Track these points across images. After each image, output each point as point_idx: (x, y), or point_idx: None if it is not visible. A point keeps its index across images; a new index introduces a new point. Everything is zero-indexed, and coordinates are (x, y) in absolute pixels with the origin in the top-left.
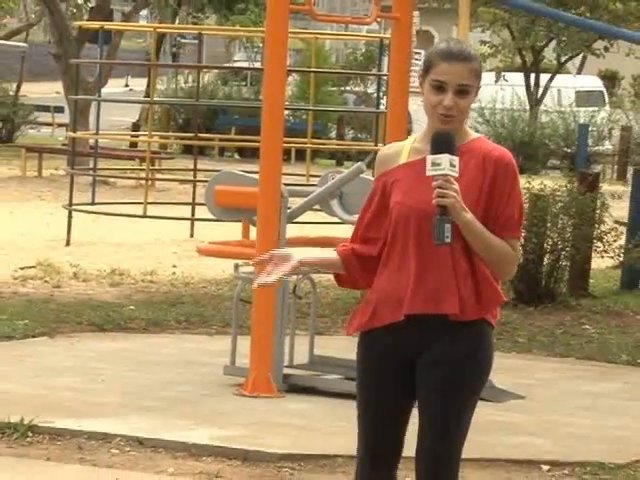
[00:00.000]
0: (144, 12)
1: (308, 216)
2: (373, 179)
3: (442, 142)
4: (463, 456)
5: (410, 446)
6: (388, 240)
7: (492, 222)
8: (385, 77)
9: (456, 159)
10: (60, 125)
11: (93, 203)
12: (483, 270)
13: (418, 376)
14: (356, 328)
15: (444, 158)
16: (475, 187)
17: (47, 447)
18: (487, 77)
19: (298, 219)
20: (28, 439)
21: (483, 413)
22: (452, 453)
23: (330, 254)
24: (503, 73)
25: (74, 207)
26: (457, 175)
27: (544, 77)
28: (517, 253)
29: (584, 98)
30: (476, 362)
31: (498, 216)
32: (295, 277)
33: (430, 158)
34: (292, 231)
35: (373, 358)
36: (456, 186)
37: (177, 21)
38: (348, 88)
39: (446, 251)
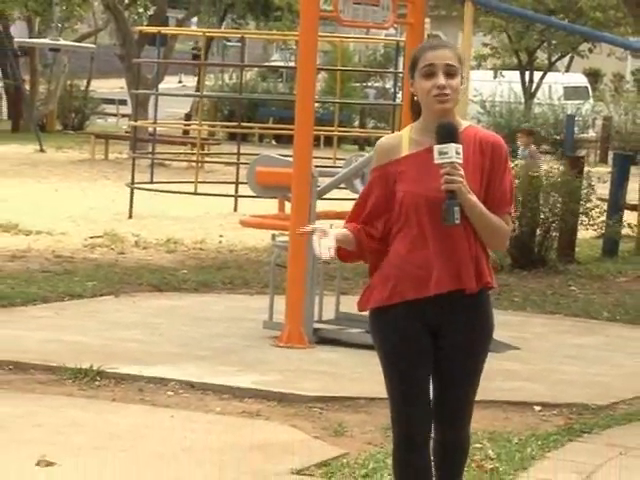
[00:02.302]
0: (195, 19)
1: (335, 193)
2: (372, 169)
3: (447, 132)
4: None
5: None
6: (400, 224)
7: (489, 201)
8: (401, 74)
9: (460, 147)
10: (124, 115)
11: (151, 182)
12: (481, 248)
13: (440, 346)
14: (375, 303)
15: (451, 147)
16: (478, 171)
17: (113, 390)
18: (487, 74)
19: (326, 195)
20: (97, 383)
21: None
22: (470, 401)
23: (347, 232)
24: (500, 71)
25: (135, 185)
26: (462, 162)
27: (537, 74)
28: (510, 227)
29: (571, 92)
30: (487, 326)
31: (494, 195)
32: None
33: (437, 148)
34: (321, 206)
35: (397, 331)
36: (462, 172)
37: (223, 26)
38: (369, 84)
39: (460, 233)
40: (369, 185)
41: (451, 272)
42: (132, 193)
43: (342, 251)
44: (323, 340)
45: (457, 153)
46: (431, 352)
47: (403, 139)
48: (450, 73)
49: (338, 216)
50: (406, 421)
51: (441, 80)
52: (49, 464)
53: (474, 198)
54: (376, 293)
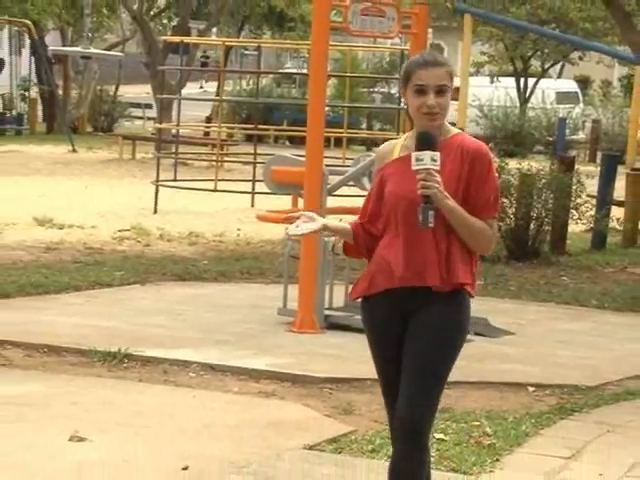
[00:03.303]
0: (215, 29)
1: (344, 190)
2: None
3: (424, 141)
4: (466, 379)
5: None
6: (386, 223)
7: (472, 205)
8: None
9: (437, 154)
10: (149, 118)
11: (175, 180)
12: (457, 251)
13: (407, 336)
14: (358, 294)
15: (426, 154)
16: (454, 177)
17: (139, 371)
18: (485, 80)
19: (336, 192)
20: (124, 365)
21: (481, 346)
22: (428, 393)
23: (345, 225)
24: (497, 77)
25: (160, 183)
26: (438, 168)
27: (531, 81)
28: (494, 230)
29: (563, 97)
30: (453, 324)
31: (477, 200)
32: (334, 238)
33: (414, 155)
34: (331, 202)
35: (375, 319)
36: (438, 177)
37: (241, 36)
38: (375, 89)
39: (430, 234)
40: (372, 186)
41: (416, 269)
42: (157, 190)
43: (346, 245)
44: (333, 326)
45: (433, 160)
46: (402, 338)
47: (396, 145)
48: (440, 92)
49: (347, 211)
50: (387, 401)
51: (431, 100)
52: (81, 439)
53: (451, 202)
54: (360, 285)
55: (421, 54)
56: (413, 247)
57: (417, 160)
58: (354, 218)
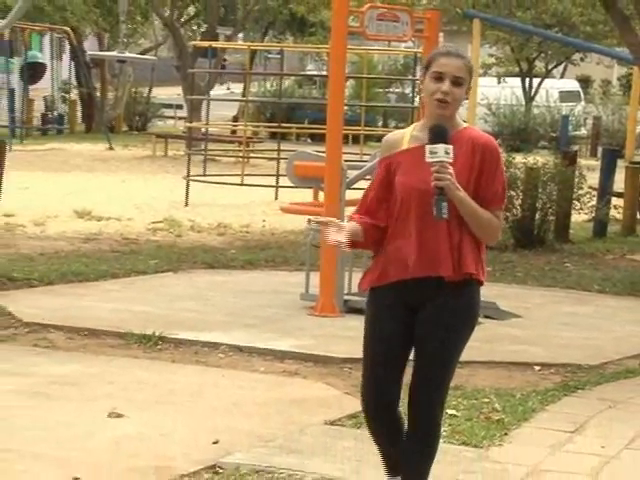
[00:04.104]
0: (241, 34)
1: (362, 184)
2: (378, 160)
3: (438, 133)
4: (477, 359)
5: None
6: (396, 214)
7: (481, 197)
8: (418, 81)
9: (450, 147)
10: (180, 118)
11: (204, 175)
12: (467, 242)
13: (418, 324)
14: (367, 284)
15: (440, 147)
16: (466, 169)
17: (172, 352)
18: (493, 80)
19: (354, 185)
20: (158, 346)
21: (491, 328)
22: (439, 383)
23: (357, 227)
24: (504, 77)
25: (190, 178)
26: (451, 160)
27: (535, 81)
28: (501, 221)
29: (565, 96)
30: (465, 314)
31: (485, 192)
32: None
33: (428, 147)
34: (350, 195)
35: (383, 309)
36: (451, 170)
37: (265, 41)
38: (390, 90)
39: (443, 224)
40: (375, 177)
41: (428, 260)
42: (188, 184)
43: (352, 241)
44: (352, 310)
45: (446, 153)
46: (410, 327)
47: (405, 135)
48: (457, 82)
49: None
50: (373, 382)
51: (446, 86)
52: (118, 416)
53: (462, 194)
54: (369, 276)
55: (445, 46)
56: (426, 238)
57: (431, 153)
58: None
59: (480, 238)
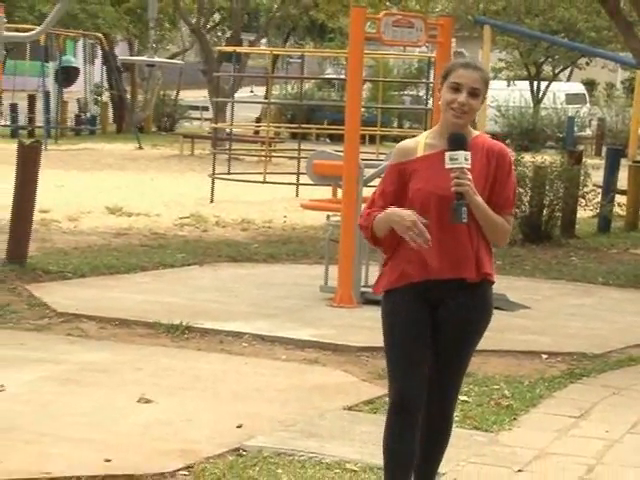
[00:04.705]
0: (264, 40)
1: (378, 181)
2: (389, 165)
3: (458, 141)
4: (487, 348)
5: None
6: None
7: (493, 202)
8: (431, 84)
9: (469, 154)
10: (206, 119)
11: (229, 173)
12: (483, 244)
13: (438, 321)
14: (385, 286)
15: (460, 154)
16: (482, 176)
17: (198, 341)
18: (502, 84)
19: (371, 183)
20: (185, 335)
21: (501, 318)
22: (457, 382)
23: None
24: (513, 81)
25: (216, 176)
26: (470, 167)
27: (543, 84)
28: (510, 226)
29: (571, 98)
30: (483, 312)
31: (498, 197)
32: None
33: (448, 154)
34: (367, 192)
35: (402, 307)
36: (470, 176)
37: (287, 46)
38: (405, 92)
39: (463, 228)
40: (385, 179)
41: (452, 262)
42: (213, 182)
43: (374, 236)
44: (368, 301)
45: (466, 159)
46: (430, 328)
47: (419, 143)
48: (474, 94)
49: None
50: (401, 387)
51: (463, 98)
52: (147, 401)
53: (479, 199)
54: (387, 278)
55: (464, 57)
56: (447, 241)
57: (451, 159)
58: None
59: (491, 241)
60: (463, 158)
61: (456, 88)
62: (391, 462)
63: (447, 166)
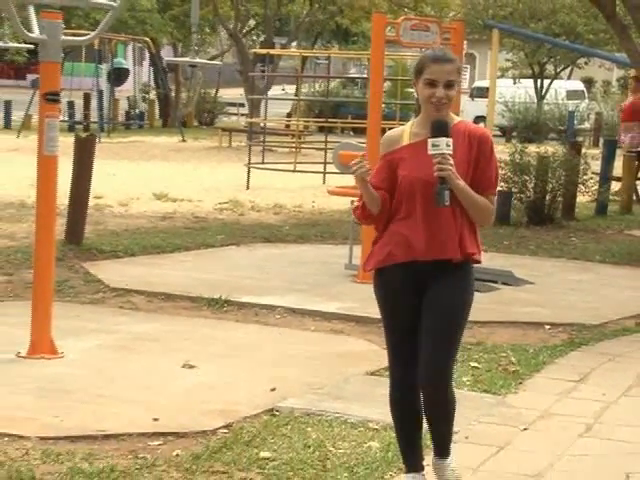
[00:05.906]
0: (294, 43)
1: None
2: (379, 157)
3: (439, 128)
4: (495, 319)
5: None
6: (397, 201)
7: (476, 184)
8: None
9: (451, 140)
10: (242, 114)
11: (263, 162)
12: (466, 226)
13: (426, 301)
14: (373, 265)
15: (442, 140)
16: (464, 160)
17: (236, 313)
18: (509, 82)
19: None
20: (224, 308)
21: (507, 293)
22: (447, 355)
23: (375, 192)
24: (519, 79)
25: (251, 165)
26: (452, 152)
27: (546, 81)
28: (494, 205)
29: (572, 95)
30: (465, 289)
31: (482, 179)
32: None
33: (430, 141)
34: None
35: (390, 289)
36: (451, 161)
37: (315, 48)
38: None
39: (448, 212)
40: (377, 169)
41: (437, 244)
42: (249, 171)
43: (364, 210)
44: None
45: (447, 145)
46: (417, 307)
47: (404, 132)
48: (449, 85)
49: None
50: (396, 364)
51: (440, 93)
52: (191, 367)
53: (462, 182)
54: (374, 257)
55: (433, 49)
56: (432, 223)
57: (433, 146)
58: None
59: (476, 221)
60: (445, 144)
61: (431, 84)
62: (398, 423)
63: (429, 152)
